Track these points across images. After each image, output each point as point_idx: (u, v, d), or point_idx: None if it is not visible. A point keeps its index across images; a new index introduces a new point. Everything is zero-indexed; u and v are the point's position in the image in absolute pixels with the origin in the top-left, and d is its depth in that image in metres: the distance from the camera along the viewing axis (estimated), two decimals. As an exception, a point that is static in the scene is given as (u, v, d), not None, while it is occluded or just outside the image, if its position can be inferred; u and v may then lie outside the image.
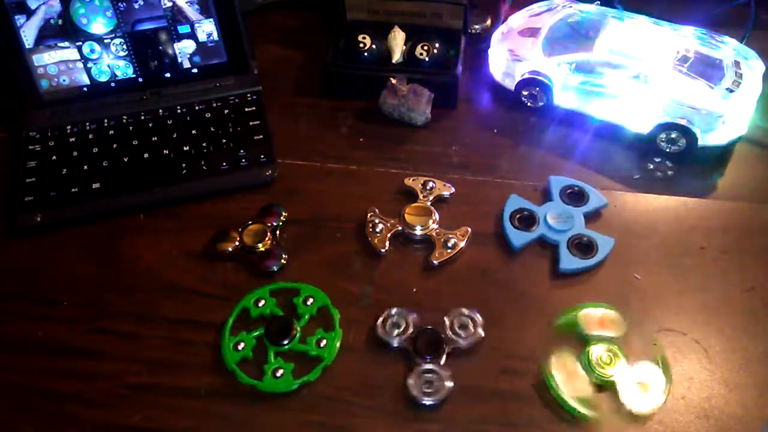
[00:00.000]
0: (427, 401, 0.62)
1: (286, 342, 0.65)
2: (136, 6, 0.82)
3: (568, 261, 0.70)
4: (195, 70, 0.87)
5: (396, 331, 0.66)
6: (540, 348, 0.64)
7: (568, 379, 0.62)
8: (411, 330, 0.66)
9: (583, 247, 0.71)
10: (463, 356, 0.65)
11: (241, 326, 0.67)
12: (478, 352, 0.65)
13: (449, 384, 0.62)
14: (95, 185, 0.79)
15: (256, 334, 0.66)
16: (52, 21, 0.81)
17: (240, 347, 0.65)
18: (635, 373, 0.62)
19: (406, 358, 0.65)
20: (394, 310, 0.67)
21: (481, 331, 0.65)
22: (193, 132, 0.83)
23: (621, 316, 0.66)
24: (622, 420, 0.61)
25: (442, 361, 0.64)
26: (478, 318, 0.66)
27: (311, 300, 0.69)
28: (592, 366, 0.62)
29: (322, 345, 0.65)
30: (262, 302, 0.69)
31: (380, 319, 0.67)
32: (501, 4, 0.93)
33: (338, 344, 0.66)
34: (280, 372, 0.64)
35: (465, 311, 0.66)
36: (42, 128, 0.84)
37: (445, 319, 0.66)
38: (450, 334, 0.65)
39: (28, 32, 0.81)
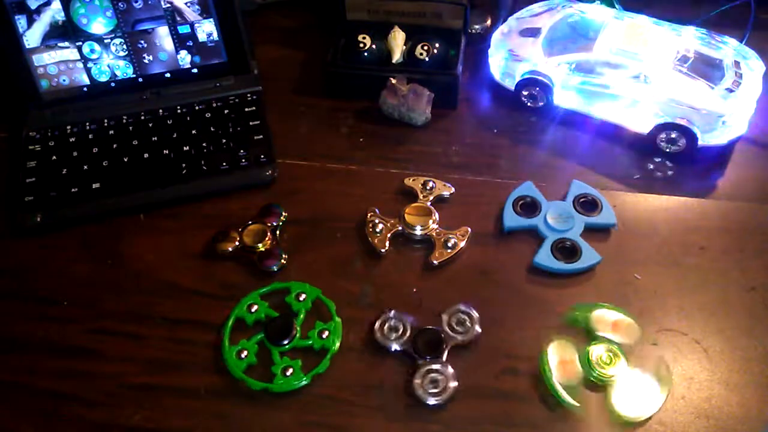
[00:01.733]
0: (432, 401, 0.62)
1: (286, 342, 0.65)
2: (136, 6, 0.82)
3: (544, 258, 0.70)
4: (195, 70, 0.87)
5: (394, 335, 0.66)
6: (542, 341, 0.65)
7: (561, 365, 0.63)
8: (409, 333, 0.66)
9: (565, 251, 0.71)
10: (463, 356, 0.65)
11: (240, 334, 0.67)
12: (478, 352, 0.65)
13: (454, 384, 0.62)
14: (95, 185, 0.79)
15: (256, 339, 0.66)
16: (52, 21, 0.81)
17: (243, 355, 0.65)
18: (632, 380, 0.62)
19: (406, 358, 0.65)
20: (391, 313, 0.67)
21: (477, 328, 0.65)
22: (193, 132, 0.83)
23: (639, 327, 0.65)
24: (605, 419, 0.61)
25: (444, 359, 0.64)
26: (475, 314, 0.66)
27: (303, 295, 0.69)
28: (591, 366, 0.62)
29: (324, 336, 0.66)
30: (255, 307, 0.68)
31: (378, 323, 0.67)
32: None
33: (341, 331, 0.66)
34: (289, 370, 0.64)
35: (462, 307, 0.66)
36: (42, 128, 0.84)
37: (443, 316, 0.66)
38: (448, 331, 0.65)
39: (31, 33, 0.81)
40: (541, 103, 0.85)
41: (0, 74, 0.85)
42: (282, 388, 0.63)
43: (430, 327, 0.66)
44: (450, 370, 0.63)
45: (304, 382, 0.63)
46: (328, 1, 0.94)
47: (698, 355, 0.65)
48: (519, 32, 0.86)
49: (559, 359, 0.63)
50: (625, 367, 0.62)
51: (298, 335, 0.66)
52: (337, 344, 0.66)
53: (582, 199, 0.75)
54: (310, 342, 0.66)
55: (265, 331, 0.66)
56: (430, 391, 0.62)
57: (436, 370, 0.63)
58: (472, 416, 0.62)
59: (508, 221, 0.74)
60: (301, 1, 1.01)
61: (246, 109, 0.85)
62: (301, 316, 0.68)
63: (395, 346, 0.65)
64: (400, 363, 0.65)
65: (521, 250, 0.73)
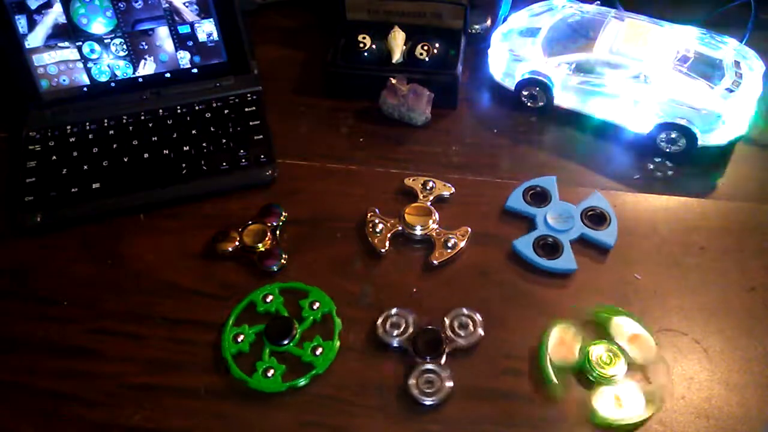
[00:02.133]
0: (428, 401, 0.62)
1: (285, 342, 0.65)
2: (136, 6, 0.82)
3: (523, 244, 0.72)
4: (195, 70, 0.87)
5: (396, 332, 0.66)
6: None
7: (558, 346, 0.63)
8: (411, 330, 0.66)
9: (546, 247, 0.72)
10: (463, 356, 0.65)
11: (245, 319, 0.67)
12: (478, 352, 0.65)
13: (449, 384, 0.62)
14: (95, 185, 0.79)
15: (256, 329, 0.67)
16: (52, 21, 0.81)
17: (239, 339, 0.66)
18: (621, 387, 0.62)
19: (405, 358, 0.65)
20: (393, 310, 0.67)
21: (480, 331, 0.65)
22: (193, 132, 0.83)
23: (656, 345, 0.64)
24: (580, 412, 0.61)
25: (443, 361, 0.64)
26: (478, 318, 0.66)
27: (317, 304, 0.68)
28: (591, 365, 0.62)
29: (317, 353, 0.65)
30: (270, 298, 0.69)
31: (380, 319, 0.67)
32: None
33: (333, 356, 0.65)
34: (270, 372, 0.64)
35: (465, 311, 0.66)
36: (42, 128, 0.84)
37: (445, 319, 0.66)
38: (450, 334, 0.65)
39: (31, 33, 0.81)
40: (541, 103, 0.85)
41: (0, 74, 0.85)
42: (256, 386, 0.63)
43: (431, 327, 0.66)
44: (446, 370, 0.63)
45: (279, 389, 0.63)
46: (328, 1, 0.94)
47: (698, 355, 0.65)
48: (519, 32, 0.86)
49: (559, 340, 0.63)
50: (624, 370, 0.62)
51: (296, 340, 0.66)
52: (325, 367, 0.65)
53: (590, 212, 0.74)
54: (302, 353, 0.65)
55: (267, 326, 0.66)
56: (426, 391, 0.62)
57: (432, 371, 0.63)
58: (472, 416, 0.62)
59: (511, 201, 0.75)
60: (301, 1, 1.01)
61: (246, 109, 0.85)
62: (307, 323, 0.67)
63: (396, 343, 0.65)
64: (400, 363, 0.65)
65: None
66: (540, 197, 0.76)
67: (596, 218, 0.74)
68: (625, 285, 0.70)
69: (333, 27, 0.91)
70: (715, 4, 0.92)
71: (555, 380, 0.62)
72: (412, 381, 0.62)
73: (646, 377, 0.62)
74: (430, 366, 0.63)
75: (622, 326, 0.65)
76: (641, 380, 0.62)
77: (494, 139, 0.84)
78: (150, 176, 0.79)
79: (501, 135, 0.84)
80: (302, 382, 0.64)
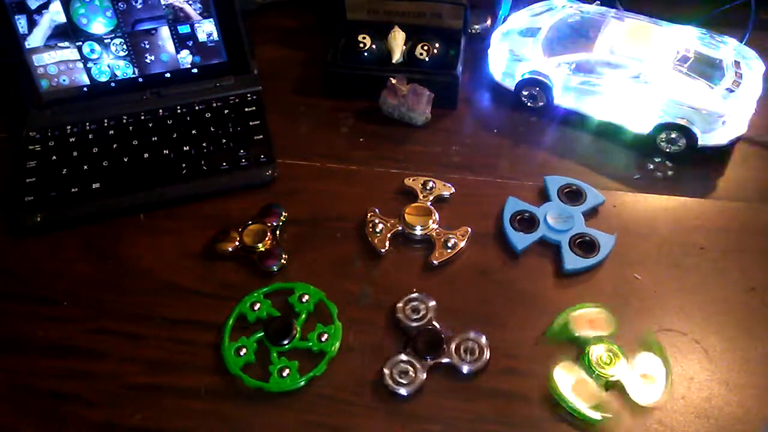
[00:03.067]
0: (403, 391, 0.62)
1: (286, 342, 0.65)
2: (136, 6, 0.82)
3: (572, 261, 0.70)
4: (195, 70, 0.87)
5: (415, 316, 0.66)
6: (540, 356, 0.64)
7: (576, 389, 0.62)
8: (430, 316, 0.66)
9: (585, 245, 0.71)
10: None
11: (240, 332, 0.67)
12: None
13: (423, 375, 0.63)
14: (95, 185, 0.79)
15: (256, 337, 0.66)
16: (52, 21, 0.81)
17: (242, 352, 0.65)
18: (636, 367, 0.62)
19: (405, 358, 0.65)
20: (414, 295, 0.67)
21: (487, 355, 0.64)
22: (193, 132, 0.83)
23: (609, 313, 0.66)
24: (633, 414, 0.61)
25: (443, 360, 0.64)
26: (483, 340, 0.65)
27: (306, 297, 0.69)
28: (592, 366, 0.62)
29: (323, 339, 0.66)
30: (258, 306, 0.68)
31: (401, 303, 0.67)
32: None
33: (340, 335, 0.66)
34: (286, 371, 0.64)
35: (472, 335, 0.65)
36: (42, 128, 0.84)
37: (451, 345, 0.65)
38: (456, 358, 0.64)
39: (31, 33, 0.81)
40: (541, 103, 0.85)
41: (0, 74, 0.85)
42: (276, 388, 0.63)
43: (430, 327, 0.66)
44: (420, 362, 0.63)
45: (299, 384, 0.63)
46: (328, 1, 0.94)
47: (698, 355, 0.65)
48: (519, 32, 0.86)
49: (572, 383, 0.62)
50: (625, 364, 0.62)
51: (297, 336, 0.66)
52: (336, 348, 0.65)
53: (566, 190, 0.75)
54: (309, 344, 0.66)
55: (265, 330, 0.66)
56: (399, 381, 0.62)
57: (406, 361, 0.63)
58: (472, 416, 0.62)
59: (518, 243, 0.72)
60: (301, 1, 1.01)
61: (246, 109, 0.85)
62: (303, 317, 0.68)
63: (414, 326, 0.66)
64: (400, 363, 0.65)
65: (523, 252, 0.72)
66: (528, 221, 0.74)
67: (573, 194, 0.75)
68: (625, 285, 0.70)
69: (333, 27, 0.91)
70: (715, 4, 0.92)
71: (607, 415, 0.60)
72: (386, 370, 0.63)
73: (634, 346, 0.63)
74: (403, 357, 0.64)
75: (578, 318, 0.66)
76: (634, 350, 0.63)
77: (494, 139, 0.84)
78: (150, 176, 0.79)
79: (501, 135, 0.84)
80: (320, 369, 0.64)
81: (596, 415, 0.60)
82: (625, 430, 0.60)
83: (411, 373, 0.63)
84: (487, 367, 0.64)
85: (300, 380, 0.63)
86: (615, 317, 0.66)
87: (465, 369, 0.63)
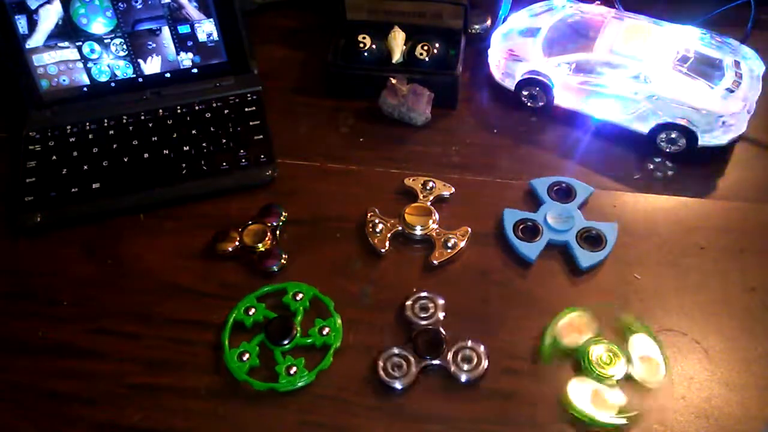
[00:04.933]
0: (397, 384, 0.62)
1: (287, 341, 0.65)
2: (136, 6, 0.82)
3: (587, 258, 0.70)
4: (195, 70, 0.87)
5: (424, 314, 0.66)
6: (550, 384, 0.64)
7: (567, 326, 0.64)
8: (439, 315, 0.66)
9: (592, 240, 0.72)
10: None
11: (240, 337, 0.67)
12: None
13: (415, 369, 0.63)
14: (95, 185, 0.79)
15: (257, 340, 0.66)
16: (52, 21, 0.81)
17: (245, 358, 0.65)
18: (633, 351, 0.63)
19: (406, 357, 0.65)
20: (423, 293, 0.68)
21: (485, 363, 0.64)
22: (193, 132, 0.83)
23: (585, 312, 0.66)
24: (650, 398, 0.61)
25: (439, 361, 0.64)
26: (481, 349, 0.64)
27: (300, 295, 0.69)
28: (592, 366, 0.62)
29: (325, 332, 0.66)
30: (253, 310, 0.68)
31: (409, 301, 0.67)
32: None
33: (341, 326, 0.66)
34: (293, 369, 0.64)
35: (469, 343, 0.65)
36: (42, 128, 0.84)
37: (448, 353, 0.64)
38: (452, 366, 0.64)
39: (31, 33, 0.81)
40: (541, 103, 0.85)
41: (0, 74, 0.85)
42: (288, 386, 0.63)
43: (431, 327, 0.66)
44: (413, 356, 0.63)
45: (310, 379, 0.64)
46: (328, 1, 0.94)
47: (698, 355, 0.65)
48: (519, 32, 0.86)
49: (570, 322, 0.64)
50: (625, 364, 0.62)
51: (298, 334, 0.66)
52: (339, 339, 0.66)
53: (556, 188, 0.76)
54: (311, 340, 0.66)
55: (266, 332, 0.66)
56: (392, 373, 0.63)
57: (399, 354, 0.64)
58: (472, 416, 0.62)
59: (530, 253, 0.71)
60: (301, 1, 1.01)
61: (246, 109, 0.85)
62: (299, 316, 0.68)
63: (422, 324, 0.66)
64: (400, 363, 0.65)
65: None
66: (531, 230, 0.73)
67: (563, 192, 0.75)
68: (625, 285, 0.70)
69: (333, 27, 0.91)
70: (715, 4, 0.92)
71: (634, 413, 0.60)
72: (380, 362, 0.63)
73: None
74: (396, 350, 0.64)
75: (562, 329, 0.65)
76: (634, 395, 0.62)
77: (494, 139, 0.84)
78: (150, 176, 0.79)
79: (501, 135, 0.84)
80: (328, 362, 0.64)
81: (621, 420, 0.60)
82: (655, 412, 0.61)
83: (404, 366, 0.63)
84: (485, 376, 0.63)
85: (310, 375, 0.64)
86: (588, 313, 0.66)
87: (463, 378, 0.63)
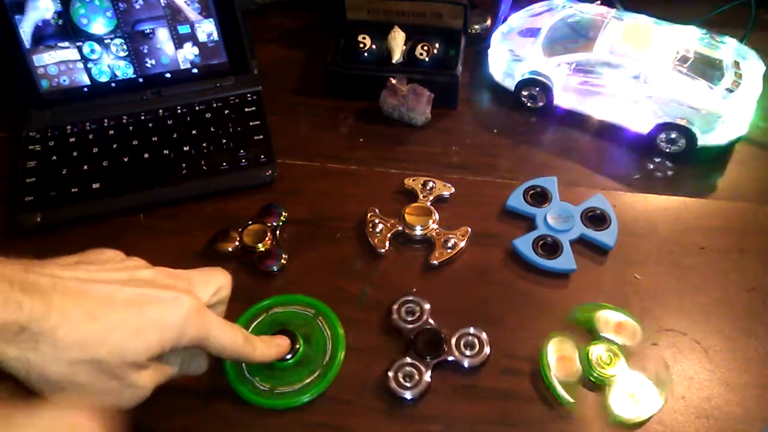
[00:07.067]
0: (408, 395, 0.62)
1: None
2: (136, 6, 0.82)
3: (523, 243, 0.72)
4: (195, 71, 0.87)
5: (410, 318, 0.66)
6: (543, 337, 0.64)
7: (560, 361, 0.63)
8: (425, 318, 0.66)
9: (546, 246, 0.72)
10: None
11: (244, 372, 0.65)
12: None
13: (428, 378, 0.62)
14: (95, 185, 0.79)
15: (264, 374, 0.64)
16: (52, 21, 0.81)
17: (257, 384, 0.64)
18: (630, 382, 0.62)
19: (410, 360, 0.65)
20: (410, 297, 0.67)
21: (487, 350, 0.64)
22: (194, 132, 0.83)
23: (641, 328, 0.65)
24: (602, 419, 0.61)
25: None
26: (484, 336, 0.65)
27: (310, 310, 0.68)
28: (591, 366, 0.62)
29: (326, 329, 0.66)
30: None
31: (395, 305, 0.67)
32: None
33: (339, 324, 0.67)
34: (311, 378, 0.63)
35: (471, 330, 0.65)
36: (42, 128, 0.84)
37: (452, 340, 0.65)
38: (456, 353, 0.64)
39: (31, 33, 0.81)
40: (541, 103, 0.85)
41: (0, 74, 0.85)
42: (316, 394, 0.63)
43: (431, 327, 0.66)
44: (423, 363, 0.63)
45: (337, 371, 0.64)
46: (328, 1, 0.94)
47: (698, 355, 0.65)
48: (519, 32, 0.86)
49: (559, 356, 0.63)
50: (625, 367, 0.62)
51: (301, 343, 0.65)
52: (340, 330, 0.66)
53: (590, 213, 0.74)
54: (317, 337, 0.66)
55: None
56: (405, 384, 0.62)
57: (410, 364, 0.63)
58: (472, 416, 0.62)
59: (511, 201, 0.75)
60: (301, 1, 1.01)
61: (246, 109, 0.85)
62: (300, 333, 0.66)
63: (409, 328, 0.66)
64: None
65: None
66: (540, 197, 0.76)
67: (596, 219, 0.74)
68: (625, 285, 0.70)
69: (333, 27, 0.91)
70: (715, 4, 0.92)
71: (570, 398, 0.61)
72: (391, 374, 0.63)
73: (643, 366, 0.63)
74: (408, 359, 0.64)
75: (606, 318, 0.65)
76: (642, 369, 0.62)
77: (494, 139, 0.84)
78: (150, 176, 0.79)
79: (501, 135, 0.84)
80: (340, 354, 0.64)
81: (566, 395, 0.61)
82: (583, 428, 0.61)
83: (416, 375, 0.63)
84: (487, 362, 0.64)
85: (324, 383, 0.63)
86: (643, 332, 0.65)
87: (466, 363, 0.63)
